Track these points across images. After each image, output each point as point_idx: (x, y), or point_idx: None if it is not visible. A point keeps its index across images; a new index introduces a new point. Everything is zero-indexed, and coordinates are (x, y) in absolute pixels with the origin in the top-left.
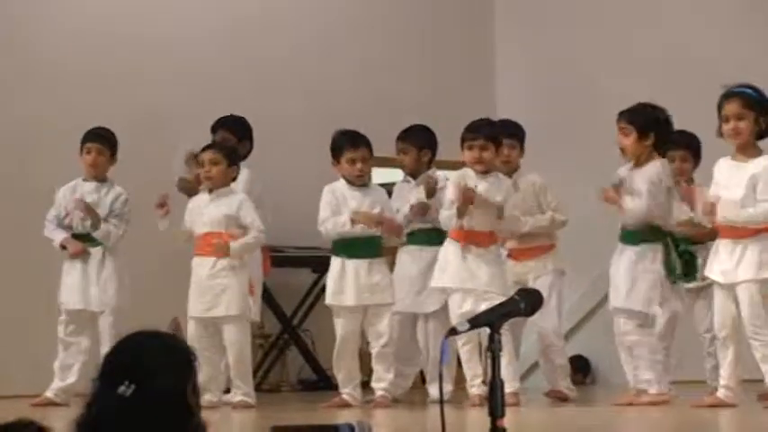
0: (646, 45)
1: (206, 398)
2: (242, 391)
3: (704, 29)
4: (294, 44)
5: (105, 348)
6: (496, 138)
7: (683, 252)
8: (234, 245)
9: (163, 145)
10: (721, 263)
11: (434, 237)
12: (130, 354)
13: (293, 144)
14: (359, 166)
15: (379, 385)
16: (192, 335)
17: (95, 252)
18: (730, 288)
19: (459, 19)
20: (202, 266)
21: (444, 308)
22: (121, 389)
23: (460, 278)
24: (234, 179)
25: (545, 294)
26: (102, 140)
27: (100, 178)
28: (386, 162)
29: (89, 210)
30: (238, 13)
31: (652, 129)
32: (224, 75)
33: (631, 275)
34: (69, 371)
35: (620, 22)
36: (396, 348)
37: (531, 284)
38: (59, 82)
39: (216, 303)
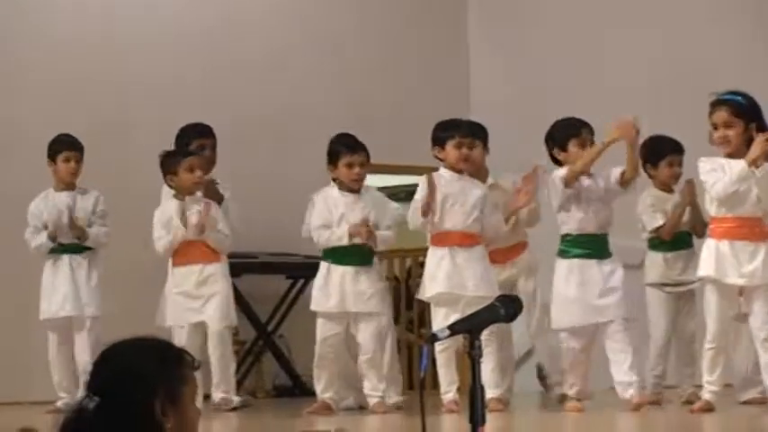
0: (621, 47)
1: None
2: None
3: (685, 28)
4: (268, 49)
5: (86, 357)
6: (485, 138)
7: None
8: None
9: (134, 151)
10: (737, 265)
11: None
12: (100, 365)
13: (266, 149)
14: (356, 170)
15: (374, 393)
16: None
17: (81, 260)
18: (733, 291)
19: (433, 21)
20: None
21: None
22: (84, 401)
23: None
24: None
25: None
26: (77, 148)
27: (71, 186)
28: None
29: (74, 225)
30: (212, 18)
31: None
32: (196, 78)
33: None
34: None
35: (595, 23)
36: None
37: (522, 285)
38: (26, 87)
39: (202, 310)
